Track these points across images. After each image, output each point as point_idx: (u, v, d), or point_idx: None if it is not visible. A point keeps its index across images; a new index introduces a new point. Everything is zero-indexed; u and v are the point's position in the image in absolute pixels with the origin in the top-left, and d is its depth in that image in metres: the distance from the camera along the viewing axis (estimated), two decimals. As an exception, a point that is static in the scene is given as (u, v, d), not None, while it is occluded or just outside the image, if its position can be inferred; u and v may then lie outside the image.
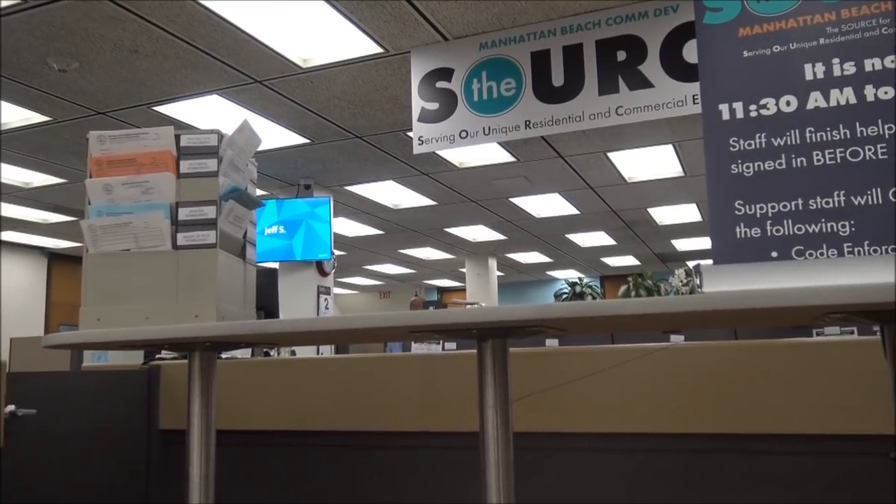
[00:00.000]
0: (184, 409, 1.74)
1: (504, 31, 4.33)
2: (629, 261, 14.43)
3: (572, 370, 2.06)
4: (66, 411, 2.35)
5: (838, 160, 1.42)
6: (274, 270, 5.00)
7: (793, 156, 1.47)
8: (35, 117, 5.71)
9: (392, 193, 8.50)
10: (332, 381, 2.42)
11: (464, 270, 13.53)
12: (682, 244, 12.54)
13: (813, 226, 1.42)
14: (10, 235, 10.25)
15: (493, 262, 13.16)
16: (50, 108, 5.52)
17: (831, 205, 1.41)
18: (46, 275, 11.65)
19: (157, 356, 3.03)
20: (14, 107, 5.48)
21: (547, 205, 9.22)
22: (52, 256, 11.69)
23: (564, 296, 15.02)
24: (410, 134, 5.12)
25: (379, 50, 4.63)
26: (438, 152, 6.48)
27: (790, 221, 1.45)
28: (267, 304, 3.64)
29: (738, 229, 1.50)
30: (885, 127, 1.41)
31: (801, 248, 1.44)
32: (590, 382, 2.02)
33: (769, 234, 1.46)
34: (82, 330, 1.61)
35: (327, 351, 6.04)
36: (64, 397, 2.38)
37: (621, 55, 4.00)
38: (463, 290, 14.31)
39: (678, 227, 10.92)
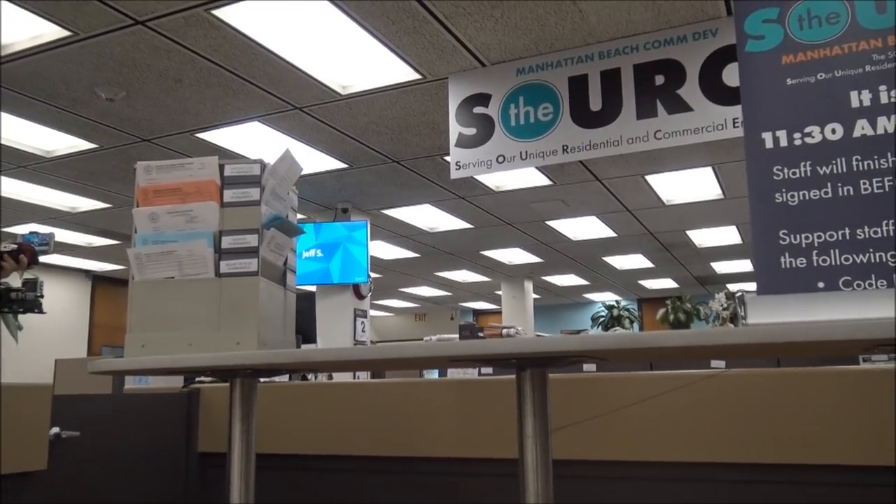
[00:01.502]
0: (222, 432, 1.75)
1: (541, 57, 4.35)
2: (667, 283, 14.25)
3: (613, 399, 2.04)
4: (109, 433, 2.39)
5: (886, 189, 1.39)
6: (311, 294, 5.05)
7: (839, 184, 1.44)
8: (83, 144, 5.88)
9: (429, 217, 8.54)
10: (370, 405, 2.42)
11: (500, 293, 13.49)
12: (721, 267, 12.35)
13: (861, 256, 1.39)
14: (55, 258, 10.51)
15: (529, 285, 13.10)
16: (97, 136, 5.68)
17: (880, 234, 1.38)
18: (90, 297, 11.91)
19: (197, 379, 3.07)
20: (63, 134, 5.65)
21: (584, 227, 9.17)
22: (96, 279, 11.95)
23: (602, 319, 14.86)
24: (447, 158, 5.16)
25: (417, 76, 4.68)
26: (475, 176, 6.50)
27: (837, 251, 1.41)
28: (304, 327, 3.68)
29: (782, 259, 1.47)
30: (935, 155, 1.38)
31: (849, 278, 1.40)
32: (632, 410, 1.99)
33: (815, 264, 1.43)
34: (127, 356, 1.64)
35: (363, 375, 6.06)
36: (106, 420, 2.41)
37: (659, 79, 3.99)
38: (499, 312, 14.26)
39: (718, 250, 10.76)
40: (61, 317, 11.05)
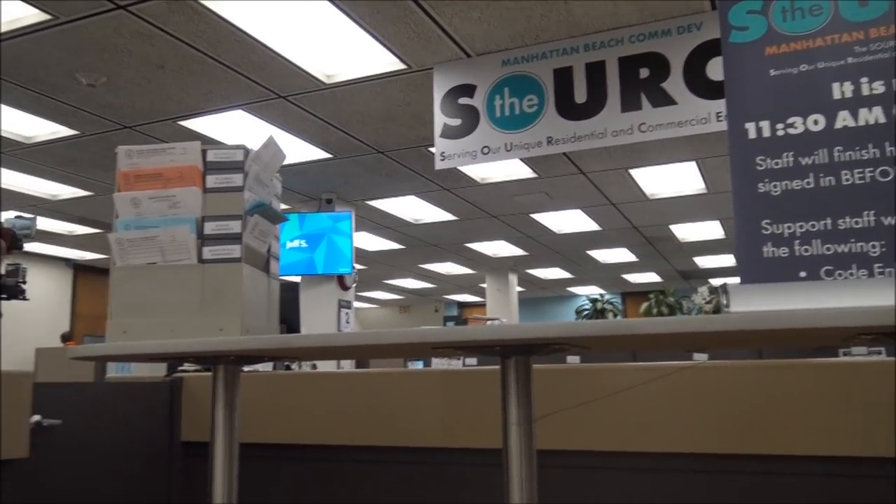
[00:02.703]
0: (205, 421, 1.74)
1: (527, 48, 4.34)
2: (651, 277, 14.34)
3: (596, 388, 2.05)
4: (90, 422, 2.36)
5: (867, 179, 1.40)
6: (296, 284, 5.02)
7: (821, 175, 1.44)
8: (63, 131, 5.81)
9: (413, 208, 8.53)
10: (353, 395, 2.42)
11: (484, 286, 13.51)
12: (704, 261, 12.44)
13: (842, 246, 1.40)
14: (36, 247, 10.40)
15: (513, 278, 13.13)
16: (78, 122, 5.61)
17: (861, 224, 1.39)
18: (72, 286, 11.80)
19: (180, 368, 3.05)
20: (43, 120, 5.58)
21: (568, 221, 9.20)
22: (78, 268, 11.84)
23: (586, 312, 14.94)
24: (432, 149, 5.14)
25: (402, 66, 4.67)
26: (460, 168, 6.50)
27: (819, 241, 1.42)
28: (289, 317, 3.66)
29: (765, 248, 1.47)
30: (916, 146, 1.39)
31: (831, 268, 1.41)
32: (614, 401, 2.00)
33: (797, 253, 1.44)
34: (109, 342, 1.63)
35: (347, 365, 6.05)
36: (88, 408, 2.39)
37: (644, 72, 4.00)
38: (483, 305, 14.29)
39: (701, 244, 10.84)
40: (43, 306, 10.93)
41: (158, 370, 3.31)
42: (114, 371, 4.34)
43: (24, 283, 2.27)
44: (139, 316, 1.66)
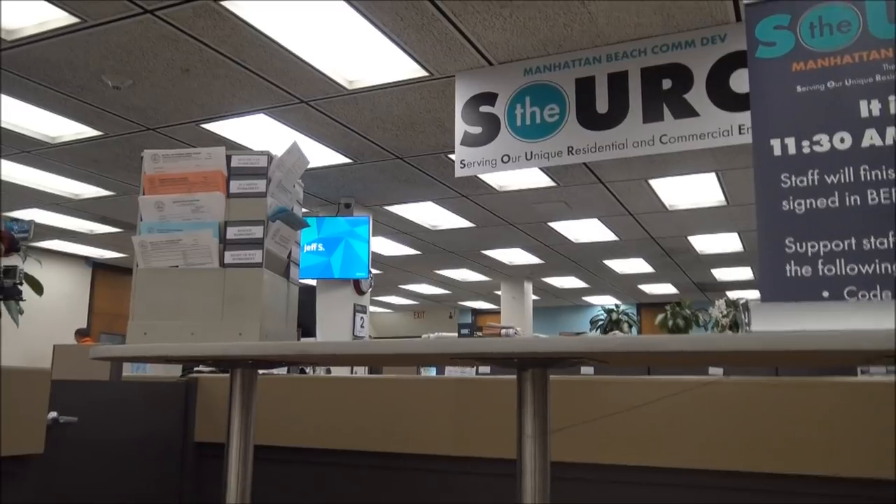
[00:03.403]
0: (219, 423, 1.76)
1: (549, 58, 4.34)
2: (667, 289, 14.26)
3: (613, 401, 2.04)
4: (106, 420, 2.39)
5: (893, 199, 1.39)
6: (312, 288, 5.04)
7: (846, 194, 1.43)
8: (88, 131, 5.88)
9: (431, 214, 8.54)
10: (366, 400, 2.42)
11: (499, 293, 13.49)
12: (721, 273, 12.35)
13: (866, 266, 1.39)
14: (56, 244, 10.51)
15: (528, 286, 13.10)
16: (102, 123, 5.68)
17: (886, 245, 1.37)
18: (90, 284, 11.91)
19: (195, 369, 3.07)
20: (68, 121, 5.65)
21: (586, 230, 9.17)
22: (96, 266, 11.95)
23: (601, 322, 14.86)
24: (452, 156, 5.16)
25: (424, 73, 4.68)
26: (479, 175, 6.51)
27: (843, 261, 1.41)
28: (305, 320, 3.68)
29: (787, 267, 1.46)
30: (944, 167, 1.38)
31: (854, 288, 1.40)
32: (630, 414, 1.99)
33: (820, 273, 1.43)
34: (130, 343, 1.64)
35: (361, 370, 6.06)
36: (104, 406, 2.41)
37: (667, 83, 3.99)
38: (497, 312, 14.26)
39: (719, 257, 10.76)
40: (61, 303, 11.04)
41: (174, 370, 3.34)
42: (130, 370, 4.37)
43: (21, 283, 2.29)
44: (160, 318, 1.67)
